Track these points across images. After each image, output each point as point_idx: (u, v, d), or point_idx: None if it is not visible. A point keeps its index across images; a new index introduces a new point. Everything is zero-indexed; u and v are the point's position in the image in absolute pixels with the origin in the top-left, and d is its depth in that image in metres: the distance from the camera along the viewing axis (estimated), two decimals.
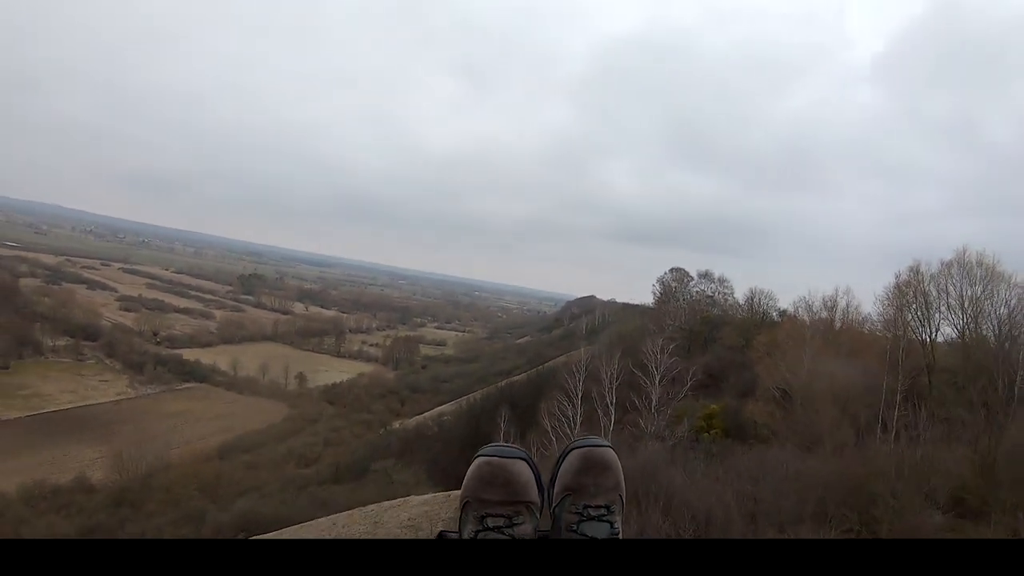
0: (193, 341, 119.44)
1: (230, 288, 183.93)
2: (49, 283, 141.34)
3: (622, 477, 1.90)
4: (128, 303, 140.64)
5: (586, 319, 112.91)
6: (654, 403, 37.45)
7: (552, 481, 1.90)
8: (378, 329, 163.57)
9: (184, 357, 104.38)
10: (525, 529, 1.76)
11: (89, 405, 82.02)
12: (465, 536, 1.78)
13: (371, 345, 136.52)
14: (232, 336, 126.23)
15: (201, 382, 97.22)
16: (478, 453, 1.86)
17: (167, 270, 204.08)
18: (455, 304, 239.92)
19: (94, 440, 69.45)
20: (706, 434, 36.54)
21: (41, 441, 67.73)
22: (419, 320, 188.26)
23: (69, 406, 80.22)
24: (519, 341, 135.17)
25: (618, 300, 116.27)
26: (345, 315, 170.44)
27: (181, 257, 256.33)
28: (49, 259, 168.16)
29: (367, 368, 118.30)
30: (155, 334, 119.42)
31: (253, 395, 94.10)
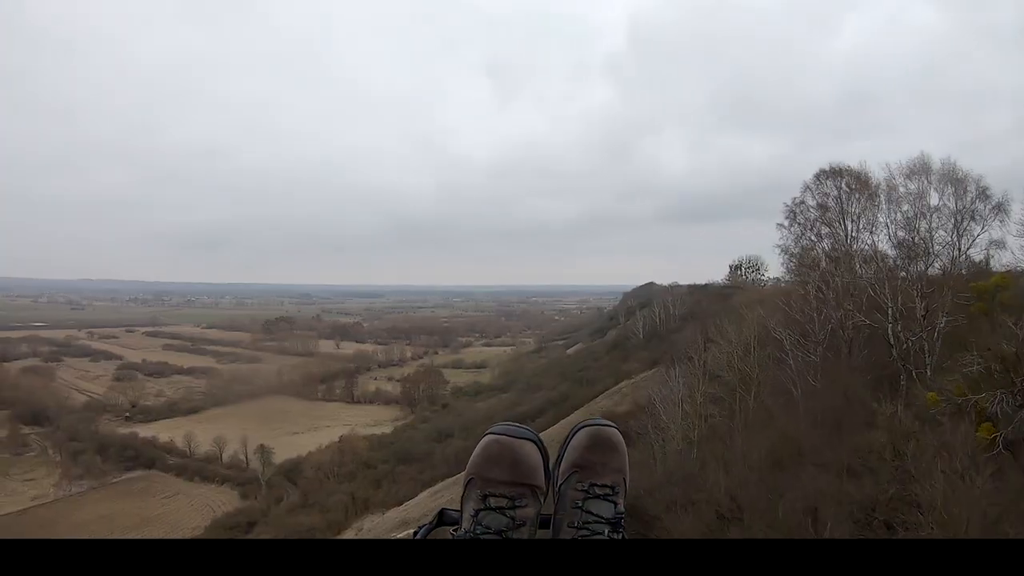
0: (175, 409, 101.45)
1: (257, 336, 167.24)
2: (48, 361, 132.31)
3: (627, 461, 1.92)
4: (126, 371, 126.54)
5: (644, 315, 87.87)
6: None
7: (559, 460, 1.91)
8: (413, 358, 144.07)
9: (141, 436, 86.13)
10: (527, 512, 1.76)
11: None
12: (467, 514, 1.77)
13: (396, 380, 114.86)
14: (226, 396, 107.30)
15: (149, 468, 78.63)
16: (488, 431, 1.85)
17: (199, 327, 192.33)
18: (508, 315, 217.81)
19: None
20: None
21: None
22: (464, 340, 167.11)
23: None
24: (570, 351, 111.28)
25: (681, 283, 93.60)
26: (379, 347, 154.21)
27: (223, 310, 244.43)
28: (59, 335, 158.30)
29: (384, 413, 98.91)
30: (133, 406, 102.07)
31: (204, 482, 74.74)
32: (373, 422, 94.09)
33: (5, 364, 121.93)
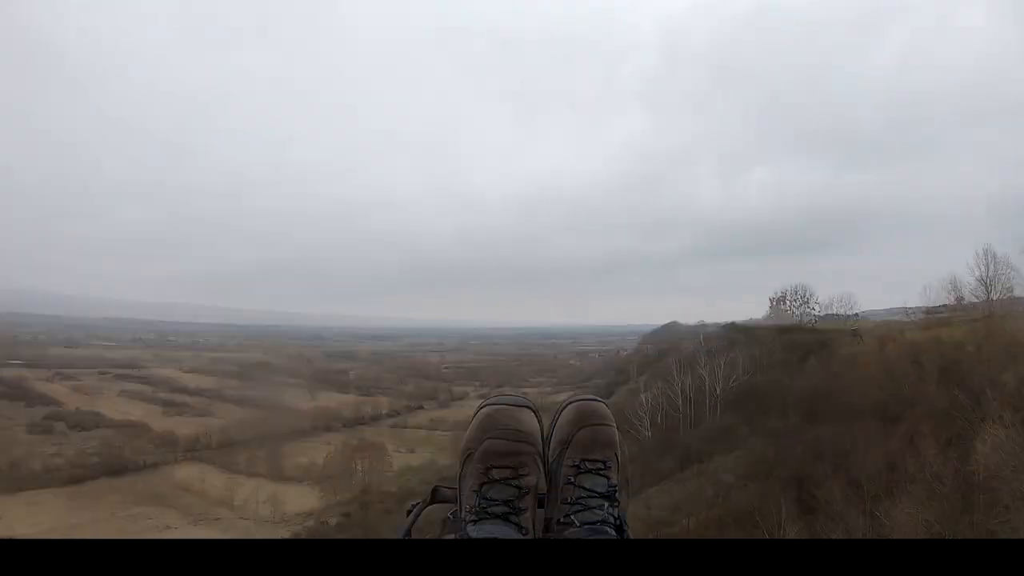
0: (52, 478, 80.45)
1: (225, 383, 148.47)
2: None
3: (616, 434, 1.90)
4: (49, 422, 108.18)
5: (674, 361, 61.31)
6: None
7: (548, 439, 1.88)
8: (389, 415, 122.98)
9: None
10: (530, 480, 1.76)
11: None
12: (467, 491, 1.76)
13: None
14: (124, 464, 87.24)
15: None
16: (483, 403, 1.87)
17: (182, 369, 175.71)
18: (520, 359, 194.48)
19: None
20: None
21: None
22: (458, 391, 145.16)
23: None
24: None
25: (708, 321, 77.49)
26: (360, 399, 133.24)
27: (226, 352, 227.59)
28: (9, 375, 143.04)
29: (303, 501, 75.86)
30: (15, 466, 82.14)
31: None
32: (280, 517, 72.63)
33: None
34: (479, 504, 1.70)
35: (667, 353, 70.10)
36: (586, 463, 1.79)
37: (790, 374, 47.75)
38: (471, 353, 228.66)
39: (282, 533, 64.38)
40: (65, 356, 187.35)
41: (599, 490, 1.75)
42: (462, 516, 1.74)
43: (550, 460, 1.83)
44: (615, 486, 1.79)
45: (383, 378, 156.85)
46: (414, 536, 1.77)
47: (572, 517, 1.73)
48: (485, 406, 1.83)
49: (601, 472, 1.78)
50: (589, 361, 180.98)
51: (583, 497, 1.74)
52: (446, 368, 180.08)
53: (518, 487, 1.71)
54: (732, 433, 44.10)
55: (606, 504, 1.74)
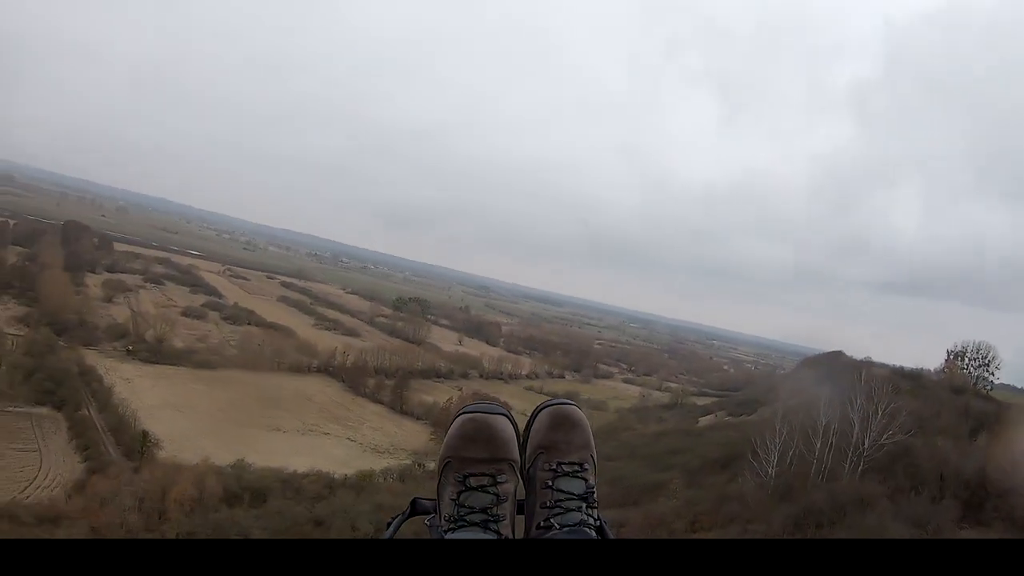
0: (188, 359, 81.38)
1: (379, 311, 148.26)
2: (147, 281, 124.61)
3: (591, 436, 1.93)
4: (203, 309, 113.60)
5: (827, 395, 48.89)
6: None
7: (524, 445, 1.91)
8: (529, 376, 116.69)
9: (98, 372, 68.29)
10: (508, 488, 1.78)
11: None
12: (446, 499, 1.78)
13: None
14: (260, 361, 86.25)
15: (57, 410, 58.59)
16: (460, 411, 1.88)
17: (344, 290, 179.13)
18: (672, 352, 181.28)
19: None
20: None
21: None
22: (602, 369, 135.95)
23: None
24: (702, 421, 76.53)
25: (875, 359, 63.39)
26: (505, 354, 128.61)
27: (391, 284, 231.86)
28: (184, 261, 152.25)
29: (415, 437, 72.01)
30: (160, 342, 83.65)
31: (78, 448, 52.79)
32: (386, 447, 68.24)
33: (106, 274, 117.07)
34: (457, 512, 1.71)
35: (822, 383, 57.24)
36: (563, 466, 1.81)
37: (958, 447, 37.55)
38: (627, 335, 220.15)
39: (381, 462, 60.34)
40: (240, 257, 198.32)
41: (577, 492, 1.78)
42: (440, 525, 1.75)
43: (527, 466, 1.86)
44: (593, 488, 1.81)
45: (533, 340, 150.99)
46: None
47: (551, 520, 1.76)
48: (461, 414, 1.84)
49: (578, 474, 1.81)
50: (743, 371, 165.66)
51: (561, 500, 1.77)
52: (598, 344, 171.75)
53: (496, 494, 1.73)
54: (868, 505, 33.60)
55: (584, 506, 1.77)
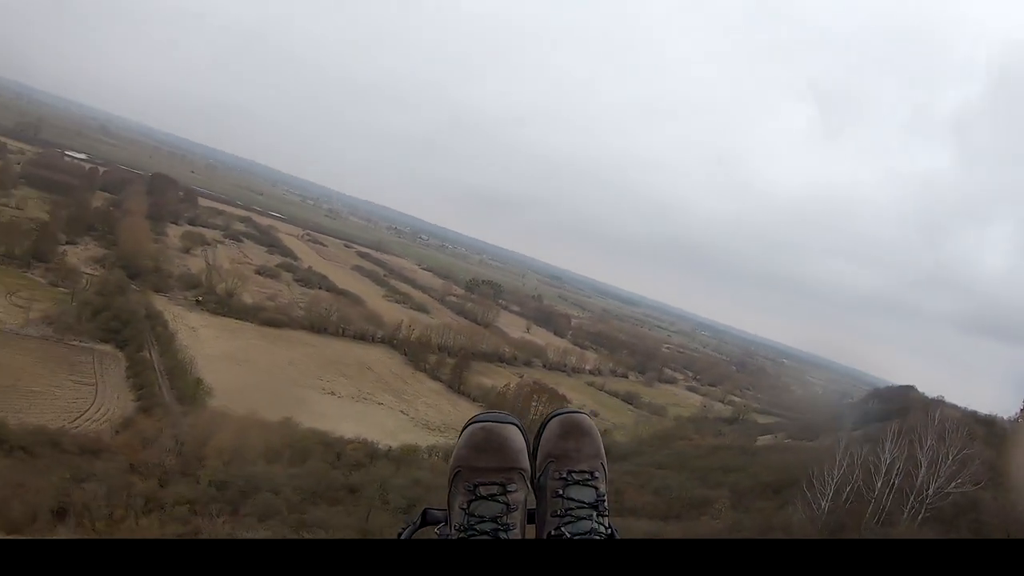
0: (254, 315, 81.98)
1: (450, 290, 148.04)
2: (226, 237, 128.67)
3: (602, 446, 1.93)
4: (277, 269, 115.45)
5: (894, 431, 44.27)
6: None
7: (534, 454, 1.91)
8: (592, 372, 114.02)
9: (164, 317, 69.64)
10: (518, 497, 1.77)
11: None
12: (456, 508, 1.77)
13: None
14: (326, 326, 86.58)
15: (120, 349, 59.93)
16: (470, 420, 1.88)
17: (419, 266, 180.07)
18: (740, 366, 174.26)
19: None
20: None
21: None
22: (668, 374, 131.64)
23: None
24: (760, 441, 72.12)
25: (946, 399, 58.69)
26: (571, 346, 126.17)
27: (465, 263, 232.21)
28: (265, 222, 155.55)
29: (465, 414, 68.04)
30: (230, 296, 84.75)
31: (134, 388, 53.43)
32: (437, 424, 66.56)
33: (187, 227, 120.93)
34: (467, 521, 1.71)
35: (890, 418, 52.83)
36: (573, 475, 1.81)
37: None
38: (696, 343, 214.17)
39: (429, 439, 58.71)
40: (321, 223, 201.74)
41: (587, 501, 1.78)
42: (450, 534, 1.75)
43: (537, 475, 1.85)
44: (603, 496, 1.81)
45: (601, 336, 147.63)
46: None
47: (562, 529, 1.75)
48: (471, 423, 1.83)
49: (588, 483, 1.81)
50: (810, 393, 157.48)
51: (572, 509, 1.77)
52: (666, 348, 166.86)
53: (506, 503, 1.72)
54: None
55: (594, 514, 1.77)
